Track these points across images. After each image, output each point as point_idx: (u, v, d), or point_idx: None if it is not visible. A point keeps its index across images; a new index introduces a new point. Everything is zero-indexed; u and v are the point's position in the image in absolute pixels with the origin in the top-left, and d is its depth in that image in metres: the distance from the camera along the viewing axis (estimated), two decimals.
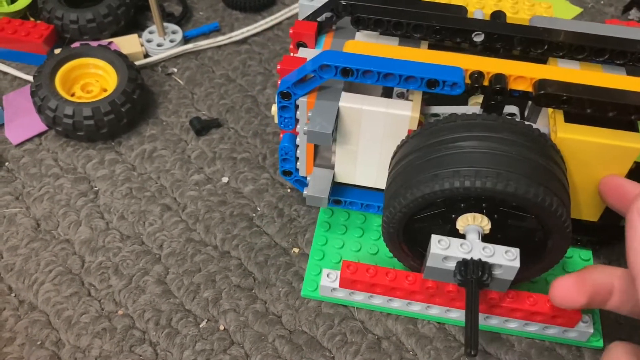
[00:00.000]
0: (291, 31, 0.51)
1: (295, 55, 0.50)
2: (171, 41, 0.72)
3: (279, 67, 0.48)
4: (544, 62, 0.50)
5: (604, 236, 0.53)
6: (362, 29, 0.50)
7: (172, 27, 0.74)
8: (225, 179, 0.61)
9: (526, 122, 0.45)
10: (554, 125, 0.46)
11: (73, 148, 0.63)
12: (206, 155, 0.63)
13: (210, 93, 0.68)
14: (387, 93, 0.50)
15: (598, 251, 0.55)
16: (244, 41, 0.74)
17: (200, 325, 0.50)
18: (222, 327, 0.50)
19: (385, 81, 0.44)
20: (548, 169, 0.42)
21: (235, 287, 0.53)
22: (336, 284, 0.49)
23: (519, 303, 0.47)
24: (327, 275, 0.50)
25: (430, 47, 0.50)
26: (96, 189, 0.60)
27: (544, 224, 0.43)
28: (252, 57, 0.73)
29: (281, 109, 0.49)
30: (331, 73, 0.45)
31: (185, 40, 0.74)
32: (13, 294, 0.52)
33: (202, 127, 0.64)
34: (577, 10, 0.79)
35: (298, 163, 0.53)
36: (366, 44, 0.48)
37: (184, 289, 0.52)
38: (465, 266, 0.42)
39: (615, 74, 0.47)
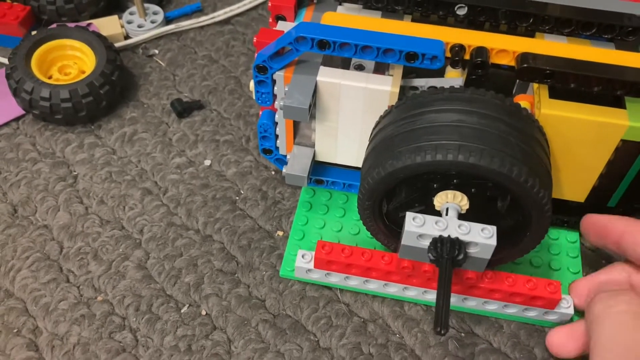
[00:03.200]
0: (270, 4, 0.50)
1: (274, 28, 0.49)
2: (152, 22, 0.70)
3: (255, 39, 0.47)
4: (532, 37, 0.48)
5: None
6: (344, 2, 0.49)
7: (153, 7, 0.72)
8: (207, 162, 0.59)
9: (514, 101, 0.43)
10: (538, 101, 0.44)
11: (51, 132, 0.61)
12: (188, 138, 0.61)
13: (193, 74, 0.67)
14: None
15: None
16: (227, 21, 0.73)
17: (182, 311, 0.49)
18: (204, 312, 0.49)
19: (363, 54, 0.43)
20: (533, 148, 0.41)
21: (218, 272, 0.51)
22: (311, 265, 0.48)
23: (498, 284, 0.45)
24: (302, 256, 0.49)
25: (414, 21, 0.49)
26: (75, 173, 0.58)
27: (524, 204, 0.41)
28: (235, 38, 0.71)
29: (258, 83, 0.47)
30: (307, 45, 0.44)
31: (167, 21, 0.72)
32: None
33: (183, 109, 0.62)
34: None
35: (278, 141, 0.52)
36: (344, 16, 0.46)
37: (165, 274, 0.51)
38: (439, 244, 0.41)
39: (602, 49, 0.45)
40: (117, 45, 0.67)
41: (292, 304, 0.50)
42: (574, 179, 0.47)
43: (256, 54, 0.47)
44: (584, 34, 0.47)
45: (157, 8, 0.72)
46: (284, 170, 0.52)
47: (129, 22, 0.70)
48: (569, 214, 0.52)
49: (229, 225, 0.54)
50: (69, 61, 0.63)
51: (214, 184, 0.57)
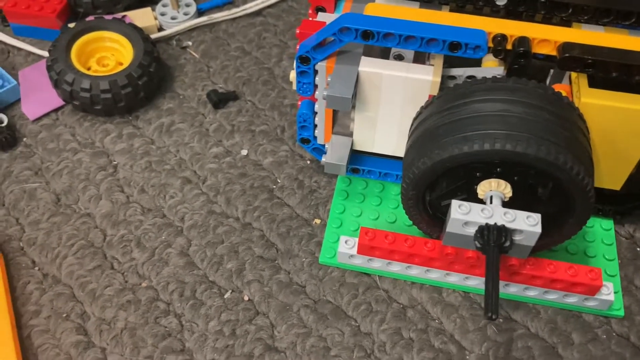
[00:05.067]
0: None
1: (314, 19, 0.50)
2: (185, 14, 0.71)
3: (298, 31, 0.47)
4: (569, 27, 0.49)
5: (626, 205, 0.52)
6: None
7: None
8: (244, 152, 0.60)
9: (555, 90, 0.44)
10: (577, 90, 0.45)
11: (90, 122, 0.62)
12: (224, 128, 0.62)
13: (226, 66, 0.68)
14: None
15: (620, 221, 0.55)
16: (258, 13, 0.73)
17: (225, 296, 0.50)
18: (246, 298, 0.50)
19: (406, 44, 0.44)
20: (576, 136, 0.42)
21: (259, 258, 0.53)
22: (354, 251, 0.49)
23: (540, 270, 0.46)
24: (345, 242, 0.50)
25: (452, 12, 0.49)
26: (115, 162, 0.59)
27: (568, 190, 0.42)
28: (267, 29, 0.72)
29: (300, 74, 0.48)
30: (351, 36, 0.44)
31: (199, 13, 0.73)
32: (37, 268, 0.52)
33: (219, 100, 0.63)
34: None
35: (316, 130, 0.53)
36: (387, 7, 0.47)
37: (207, 260, 0.52)
38: (486, 231, 0.42)
39: None
40: (151, 37, 0.68)
41: (332, 290, 0.51)
42: (611, 167, 0.48)
43: (298, 45, 0.47)
44: (622, 24, 0.48)
45: (189, 0, 0.73)
46: (323, 159, 0.52)
47: (162, 14, 0.71)
48: (603, 203, 0.52)
49: (268, 213, 0.55)
50: (106, 53, 0.64)
51: (251, 173, 0.58)
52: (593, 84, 0.45)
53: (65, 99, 0.61)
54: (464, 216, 0.42)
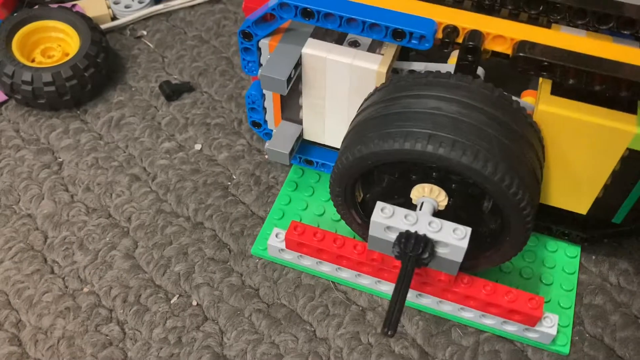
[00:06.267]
0: None
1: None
2: (140, 2, 0.68)
3: (244, 3, 0.45)
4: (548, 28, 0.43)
5: (594, 233, 0.47)
6: None
7: None
8: (198, 146, 0.57)
9: (505, 92, 0.39)
10: (538, 97, 0.40)
11: (35, 117, 0.59)
12: (178, 122, 0.59)
13: (182, 56, 0.64)
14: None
15: (587, 249, 0.49)
16: (217, 0, 0.70)
17: (172, 301, 0.47)
18: (194, 303, 0.47)
19: (348, 27, 0.40)
20: (518, 145, 0.37)
21: (209, 260, 0.49)
22: (284, 245, 0.46)
23: (473, 290, 0.42)
24: (276, 235, 0.47)
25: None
26: (60, 160, 0.56)
27: (500, 205, 0.37)
28: (226, 17, 0.68)
29: (244, 50, 0.45)
30: (291, 13, 0.41)
31: (156, 0, 0.69)
32: None
33: (172, 92, 0.60)
34: None
35: (267, 114, 0.50)
36: None
37: (154, 263, 0.49)
38: (404, 239, 0.38)
39: (621, 45, 0.40)
40: (103, 26, 0.65)
41: (287, 292, 0.47)
42: (575, 188, 0.43)
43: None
44: (601, 28, 0.42)
45: None
46: (266, 144, 0.49)
47: (116, 3, 0.67)
48: (570, 227, 0.47)
49: (221, 212, 0.52)
50: (52, 43, 0.60)
51: (204, 169, 0.55)
52: (558, 91, 0.40)
53: (7, 93, 0.58)
54: (385, 220, 0.38)
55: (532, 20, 0.43)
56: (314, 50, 0.43)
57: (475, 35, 0.40)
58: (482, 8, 0.43)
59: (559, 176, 0.42)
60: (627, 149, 0.38)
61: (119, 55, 0.64)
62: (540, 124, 0.39)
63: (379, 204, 0.39)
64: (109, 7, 0.67)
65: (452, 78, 0.39)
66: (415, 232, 0.38)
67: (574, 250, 0.49)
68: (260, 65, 0.46)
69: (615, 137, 0.38)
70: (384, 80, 0.42)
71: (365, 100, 0.42)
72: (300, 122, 0.49)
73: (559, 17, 0.42)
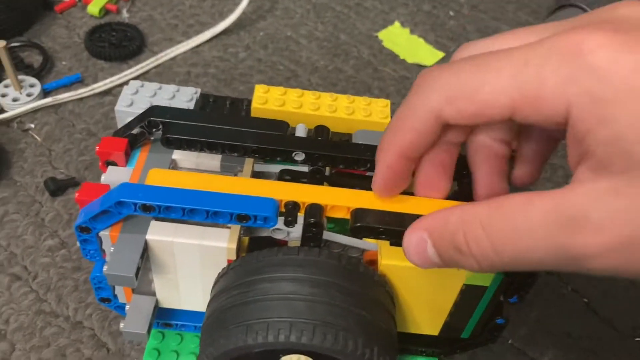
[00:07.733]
0: (97, 148, 0.46)
1: (103, 175, 0.46)
2: (28, 95, 0.69)
3: (76, 195, 0.42)
4: None
5: (446, 347, 0.51)
6: (174, 149, 0.46)
7: (30, 80, 0.71)
8: None
9: (352, 256, 0.41)
10: (380, 251, 0.43)
11: None
12: (62, 218, 0.60)
13: (69, 149, 0.66)
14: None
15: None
16: (107, 92, 0.73)
17: None
18: None
19: (192, 216, 0.40)
20: (371, 312, 0.39)
21: None
22: None
23: None
24: None
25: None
26: None
27: None
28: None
29: (83, 242, 0.43)
30: (130, 209, 0.40)
31: (45, 93, 0.71)
32: None
33: (57, 188, 0.61)
34: (440, 55, 0.83)
35: (116, 289, 0.47)
36: (171, 173, 0.42)
37: None
38: None
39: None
40: None
41: None
42: (427, 317, 0.46)
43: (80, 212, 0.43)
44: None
45: (33, 80, 0.71)
46: (121, 325, 0.45)
47: (4, 95, 0.69)
48: (426, 345, 0.51)
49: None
50: None
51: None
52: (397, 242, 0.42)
53: None
54: None
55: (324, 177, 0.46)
56: (159, 236, 0.42)
57: (315, 210, 0.41)
58: (319, 173, 0.45)
59: (411, 310, 0.46)
60: (464, 284, 0.43)
61: (4, 149, 0.65)
62: (386, 275, 0.43)
63: None
64: None
65: (301, 253, 0.40)
66: None
67: None
68: (103, 251, 0.44)
69: (453, 276, 0.42)
70: (234, 255, 0.42)
71: (220, 277, 0.43)
72: (152, 294, 0.47)
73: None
